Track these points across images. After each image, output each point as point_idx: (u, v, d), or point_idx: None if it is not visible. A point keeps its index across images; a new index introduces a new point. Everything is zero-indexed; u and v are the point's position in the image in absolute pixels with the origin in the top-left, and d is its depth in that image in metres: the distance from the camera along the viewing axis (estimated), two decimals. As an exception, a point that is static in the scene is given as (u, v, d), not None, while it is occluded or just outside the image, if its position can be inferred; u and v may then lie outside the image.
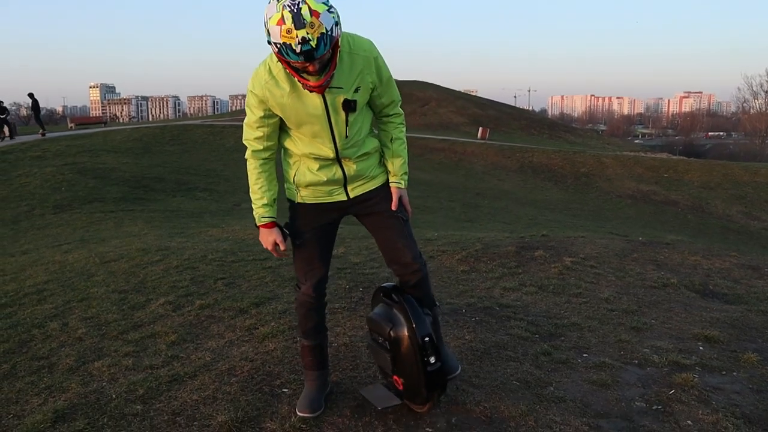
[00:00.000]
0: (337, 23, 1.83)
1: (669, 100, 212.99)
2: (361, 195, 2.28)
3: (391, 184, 2.31)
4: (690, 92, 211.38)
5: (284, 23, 1.76)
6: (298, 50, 1.79)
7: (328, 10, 1.80)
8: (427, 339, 2.19)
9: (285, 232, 2.28)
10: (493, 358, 2.85)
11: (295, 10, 1.75)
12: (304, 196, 2.27)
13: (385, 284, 2.40)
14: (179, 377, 2.70)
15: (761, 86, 65.86)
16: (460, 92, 58.84)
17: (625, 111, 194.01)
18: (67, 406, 2.49)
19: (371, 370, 2.67)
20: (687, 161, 29.23)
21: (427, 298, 2.36)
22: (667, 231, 14.21)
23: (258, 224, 2.26)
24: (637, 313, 3.57)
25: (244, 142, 2.21)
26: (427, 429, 2.24)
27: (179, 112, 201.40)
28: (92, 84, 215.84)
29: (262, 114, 2.11)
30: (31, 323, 3.64)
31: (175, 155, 19.78)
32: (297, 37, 1.77)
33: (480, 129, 35.55)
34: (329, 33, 1.80)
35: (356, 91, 2.07)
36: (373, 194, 2.29)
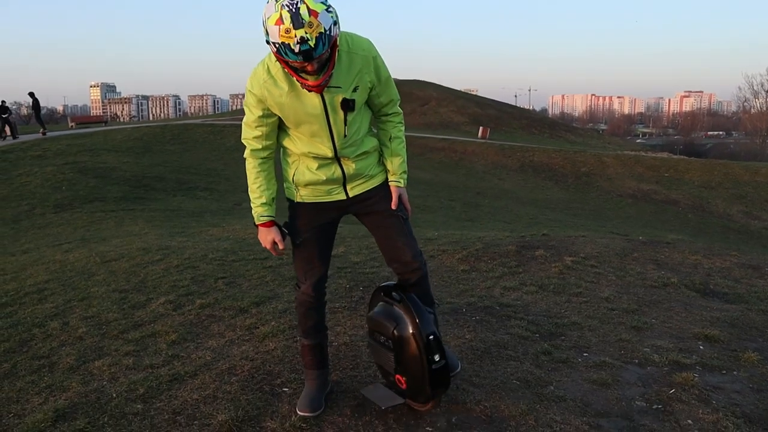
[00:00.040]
0: (335, 23, 1.83)
1: (669, 100, 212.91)
2: (360, 194, 2.28)
3: (390, 183, 2.31)
4: (690, 91, 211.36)
5: (283, 23, 1.76)
6: (296, 50, 1.79)
7: (326, 10, 1.80)
8: (431, 337, 2.19)
9: (284, 231, 2.28)
10: (493, 357, 2.85)
11: (294, 10, 1.75)
12: (303, 195, 2.27)
13: (385, 283, 2.40)
14: (180, 376, 2.71)
15: (762, 85, 65.81)
16: (460, 91, 58.85)
17: (626, 110, 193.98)
18: (67, 405, 2.49)
19: (372, 370, 2.67)
20: (687, 160, 29.22)
21: (427, 297, 2.36)
22: (667, 230, 14.20)
23: (257, 223, 2.26)
24: (638, 312, 3.57)
25: (242, 141, 2.21)
26: (428, 428, 2.24)
27: (180, 111, 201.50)
28: (93, 83, 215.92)
29: (260, 113, 2.11)
30: (31, 322, 3.64)
31: (176, 154, 19.78)
32: (295, 36, 1.77)
33: (480, 128, 35.54)
34: (328, 32, 1.80)
35: (355, 90, 2.07)
36: (373, 193, 2.29)
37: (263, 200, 2.23)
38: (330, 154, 2.15)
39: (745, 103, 71.49)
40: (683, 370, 2.70)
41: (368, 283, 4.10)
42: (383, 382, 2.45)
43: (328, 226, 2.34)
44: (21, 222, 10.02)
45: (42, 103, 26.36)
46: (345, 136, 2.13)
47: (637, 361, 2.84)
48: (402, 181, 2.32)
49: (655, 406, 2.40)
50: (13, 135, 20.72)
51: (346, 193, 2.26)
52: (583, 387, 2.56)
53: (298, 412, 2.31)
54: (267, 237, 2.25)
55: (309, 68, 1.88)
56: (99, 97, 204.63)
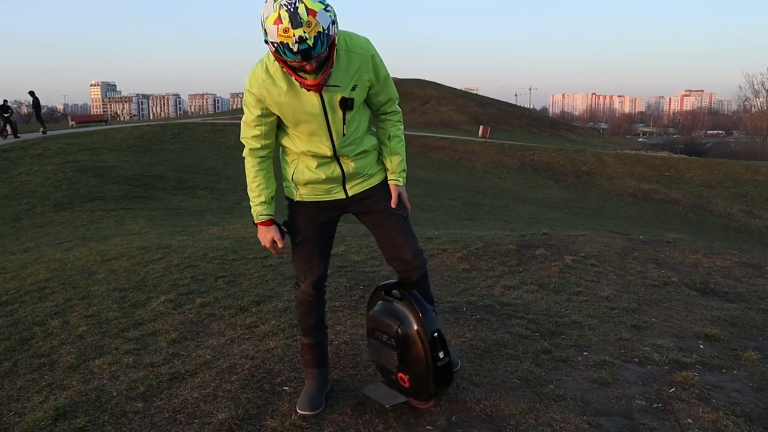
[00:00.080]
0: (333, 22, 1.83)
1: (670, 99, 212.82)
2: (359, 193, 2.28)
3: (389, 182, 2.31)
4: (691, 90, 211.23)
5: (281, 22, 1.76)
6: (295, 49, 1.79)
7: (324, 9, 1.80)
8: (436, 334, 2.19)
9: (283, 230, 2.29)
10: (493, 356, 2.85)
11: (292, 10, 1.75)
12: (302, 194, 2.27)
13: (386, 282, 2.40)
14: (180, 375, 2.71)
15: (762, 84, 65.81)
16: (460, 90, 58.84)
17: (626, 109, 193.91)
18: (67, 403, 2.49)
19: (372, 369, 2.67)
20: (688, 160, 29.20)
21: (427, 296, 2.36)
22: (668, 229, 14.20)
23: (256, 222, 2.26)
24: (638, 311, 3.57)
25: (241, 140, 2.22)
26: (428, 427, 2.24)
27: (180, 110, 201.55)
28: (93, 82, 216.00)
29: (259, 113, 2.11)
30: (32, 321, 3.64)
31: (176, 153, 19.78)
32: (294, 36, 1.77)
33: (481, 127, 35.53)
34: (326, 32, 1.80)
35: (353, 89, 2.07)
36: (372, 192, 2.29)
37: (262, 199, 2.23)
38: (329, 153, 2.15)
39: (746, 102, 71.53)
40: (683, 369, 2.70)
41: (368, 282, 4.10)
42: (383, 381, 2.45)
43: (327, 225, 2.34)
44: (21, 221, 10.02)
45: (42, 102, 26.41)
46: (344, 134, 2.13)
47: (637, 360, 2.84)
48: (401, 179, 2.32)
49: (655, 405, 2.40)
50: (14, 134, 20.79)
51: (346, 192, 2.26)
52: (583, 386, 2.56)
53: (298, 410, 2.31)
54: (266, 236, 2.25)
55: (307, 67, 1.88)
56: (99, 96, 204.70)
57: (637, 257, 4.95)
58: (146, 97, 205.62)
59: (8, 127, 20.78)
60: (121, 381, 2.68)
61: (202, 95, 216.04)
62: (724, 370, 2.73)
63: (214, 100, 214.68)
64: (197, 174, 15.69)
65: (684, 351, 2.93)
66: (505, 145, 30.21)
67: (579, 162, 27.03)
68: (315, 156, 2.17)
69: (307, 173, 2.20)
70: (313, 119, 2.08)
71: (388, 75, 2.19)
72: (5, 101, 21.40)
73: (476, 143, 30.39)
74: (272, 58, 2.00)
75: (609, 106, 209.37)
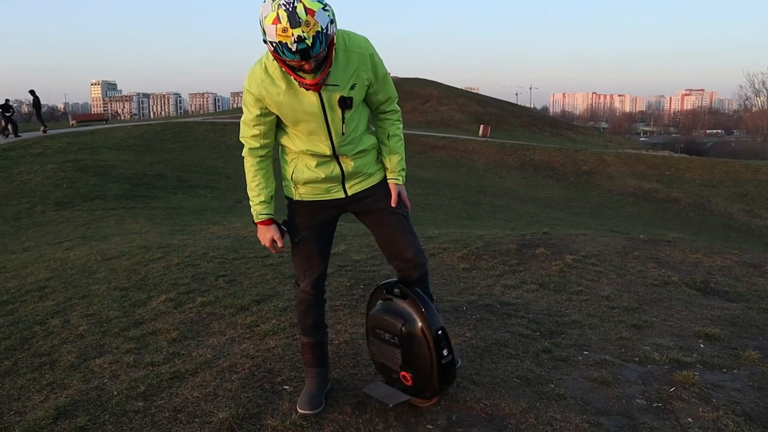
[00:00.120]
0: (332, 21, 1.83)
1: (671, 98, 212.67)
2: (359, 192, 2.28)
3: (389, 181, 2.31)
4: (692, 90, 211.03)
5: (280, 22, 1.77)
6: (294, 49, 1.79)
7: (323, 9, 1.80)
8: (440, 332, 2.19)
9: (282, 229, 2.29)
10: (493, 355, 2.85)
11: (291, 9, 1.76)
12: (302, 193, 2.27)
13: (387, 281, 2.40)
14: (180, 374, 2.71)
15: (763, 84, 65.75)
16: (461, 90, 58.84)
17: (627, 109, 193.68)
18: (68, 402, 2.49)
19: (372, 368, 2.67)
20: (688, 159, 29.18)
21: (427, 294, 2.36)
22: (668, 229, 14.20)
23: (256, 221, 2.26)
24: (638, 310, 3.57)
25: (241, 139, 2.22)
26: (428, 426, 2.24)
27: (181, 109, 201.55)
28: (94, 81, 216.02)
29: (258, 112, 2.12)
30: (32, 320, 3.64)
31: (177, 152, 19.79)
32: (293, 35, 1.77)
33: (481, 127, 35.53)
34: (325, 31, 1.80)
35: (352, 88, 2.07)
36: (371, 192, 2.29)
37: (262, 198, 2.23)
38: (328, 152, 2.15)
39: (747, 102, 71.49)
40: (683, 369, 2.70)
41: (369, 282, 4.10)
42: (383, 381, 2.45)
43: (327, 225, 2.34)
44: (22, 220, 10.03)
45: (43, 101, 26.45)
46: (343, 133, 2.13)
47: (637, 359, 2.84)
48: (401, 178, 2.32)
49: (655, 405, 2.40)
50: (15, 133, 20.82)
51: (345, 192, 2.27)
52: (584, 385, 2.56)
53: (299, 409, 2.31)
54: (266, 235, 2.26)
55: (306, 67, 1.88)
56: (100, 95, 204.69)
57: (637, 256, 4.95)
58: (147, 96, 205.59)
59: (9, 126, 20.82)
60: (122, 380, 2.69)
61: (203, 94, 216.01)
62: (725, 370, 2.73)
63: (215, 99, 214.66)
64: (198, 173, 15.70)
65: (684, 350, 2.93)
66: (506, 145, 30.20)
67: (579, 161, 27.02)
68: (314, 155, 2.17)
69: (307, 172, 2.20)
70: (312, 118, 2.08)
71: (387, 74, 2.19)
72: (7, 100, 21.47)
73: (477, 142, 30.38)
74: (271, 57, 2.00)
75: (609, 105, 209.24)
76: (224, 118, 31.57)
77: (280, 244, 2.26)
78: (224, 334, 3.23)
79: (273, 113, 2.12)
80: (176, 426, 2.28)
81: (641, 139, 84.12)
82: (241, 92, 2.19)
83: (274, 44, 1.81)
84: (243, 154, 2.24)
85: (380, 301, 2.36)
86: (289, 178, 2.26)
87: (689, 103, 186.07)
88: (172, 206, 10.96)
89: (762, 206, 21.37)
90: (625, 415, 2.32)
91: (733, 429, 2.21)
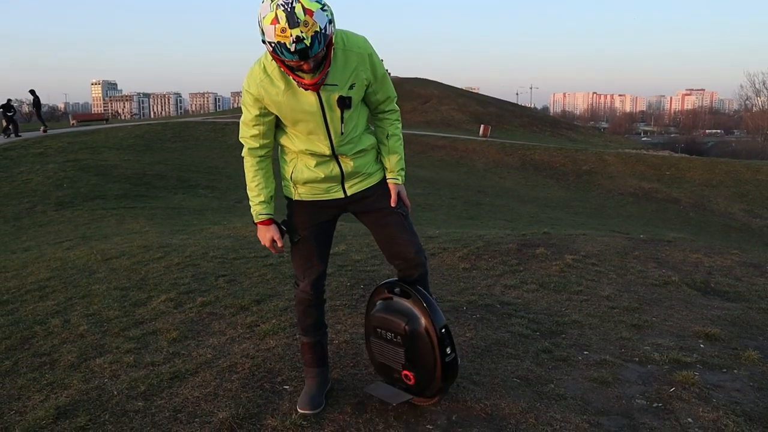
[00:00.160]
0: (330, 21, 1.83)
1: (671, 98, 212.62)
2: (358, 192, 2.28)
3: (388, 181, 2.31)
4: (692, 90, 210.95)
5: (278, 22, 1.77)
6: (292, 49, 1.79)
7: (321, 9, 1.80)
8: (444, 330, 2.20)
9: (282, 229, 2.29)
10: (493, 355, 2.85)
11: (289, 9, 1.76)
12: (301, 193, 2.27)
13: (387, 280, 2.40)
14: (180, 374, 2.71)
15: (764, 83, 65.81)
16: (461, 89, 58.82)
17: (627, 108, 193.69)
18: (68, 402, 2.49)
19: (373, 368, 2.67)
20: (689, 159, 29.17)
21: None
22: (668, 229, 14.19)
23: (256, 221, 2.27)
24: (638, 310, 3.57)
25: (240, 140, 2.22)
26: (428, 426, 2.24)
27: (181, 109, 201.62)
28: (94, 81, 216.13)
29: (257, 112, 2.12)
30: (32, 320, 3.65)
31: (177, 152, 19.80)
32: (291, 36, 1.77)
33: (481, 126, 35.51)
34: (323, 31, 1.81)
35: (351, 87, 2.07)
36: (371, 191, 2.29)
37: (262, 198, 2.23)
38: (327, 151, 2.16)
39: (747, 102, 71.54)
40: (684, 369, 2.70)
41: (369, 281, 4.10)
42: (383, 380, 2.45)
43: (326, 225, 2.34)
44: (22, 219, 10.03)
45: (43, 101, 26.49)
46: (342, 133, 2.13)
47: (637, 359, 2.84)
48: (400, 178, 2.32)
49: (655, 405, 2.40)
50: (15, 133, 20.85)
51: (344, 192, 2.27)
52: (584, 385, 2.56)
53: (299, 409, 2.31)
54: (266, 235, 2.26)
55: (305, 67, 1.88)
56: (100, 95, 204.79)
57: (637, 256, 4.95)
58: (147, 95, 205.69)
59: (10, 126, 20.86)
60: (122, 380, 2.69)
61: (203, 94, 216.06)
62: (725, 370, 2.73)
63: (215, 98, 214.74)
64: (198, 173, 15.70)
65: (684, 350, 2.93)
66: (506, 144, 30.20)
67: (580, 161, 27.01)
68: (313, 155, 2.17)
69: (306, 172, 2.21)
70: (311, 118, 2.08)
71: (386, 73, 2.20)
72: (9, 100, 21.51)
73: (477, 142, 30.37)
74: (270, 57, 2.01)
75: (610, 105, 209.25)
76: (225, 118, 31.58)
77: (279, 244, 2.27)
78: (224, 333, 3.23)
79: (272, 113, 2.13)
80: (176, 426, 2.28)
81: (643, 139, 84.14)
82: (241, 92, 2.19)
83: (273, 44, 1.81)
84: (242, 154, 2.25)
85: (382, 301, 2.35)
86: (288, 177, 2.26)
87: (690, 103, 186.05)
88: (173, 206, 10.97)
89: (762, 206, 21.36)
90: (625, 415, 2.32)
91: (733, 429, 2.21)
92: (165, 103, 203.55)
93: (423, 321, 2.19)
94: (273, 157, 2.27)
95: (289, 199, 2.32)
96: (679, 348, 2.96)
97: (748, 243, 14.29)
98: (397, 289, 2.30)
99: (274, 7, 1.77)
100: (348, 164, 2.22)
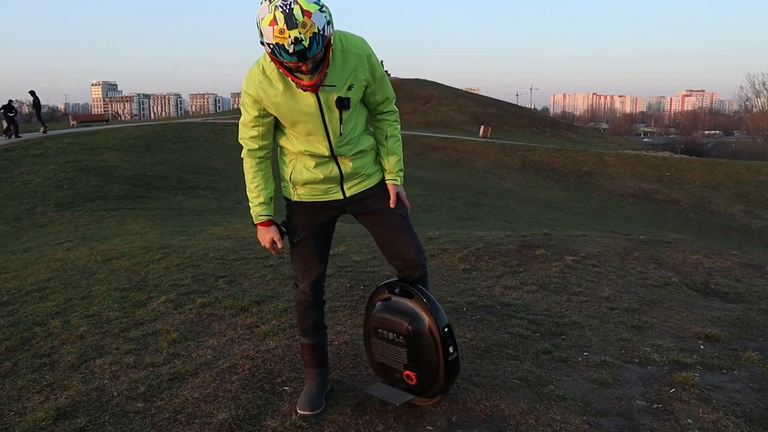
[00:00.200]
0: (329, 22, 1.84)
1: (671, 99, 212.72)
2: (357, 194, 2.28)
3: (387, 182, 2.32)
4: (692, 90, 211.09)
5: (276, 24, 1.77)
6: (291, 50, 1.80)
7: (319, 10, 1.80)
8: (446, 329, 2.20)
9: (282, 230, 2.30)
10: (493, 356, 2.85)
11: (287, 11, 1.76)
12: (300, 194, 2.27)
13: (388, 281, 2.39)
14: (180, 375, 2.71)
15: (764, 84, 65.84)
16: (461, 90, 58.81)
17: (627, 109, 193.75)
18: (68, 403, 2.49)
19: (372, 369, 2.67)
20: (689, 160, 29.18)
21: (427, 294, 2.37)
22: (668, 230, 14.20)
23: (255, 222, 2.27)
24: (638, 311, 3.57)
25: (239, 141, 2.23)
26: (428, 427, 2.24)
27: (181, 110, 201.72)
28: (94, 82, 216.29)
29: (256, 113, 2.12)
30: (32, 321, 3.65)
31: (177, 153, 19.80)
32: (289, 37, 1.77)
33: (481, 127, 35.50)
34: (321, 32, 1.81)
35: (349, 88, 2.07)
36: (370, 193, 2.29)
37: (261, 200, 2.24)
38: (326, 152, 2.16)
39: (747, 103, 71.56)
40: (683, 370, 2.70)
41: (369, 282, 4.10)
42: (383, 381, 2.45)
43: (325, 226, 2.34)
44: (22, 220, 10.03)
45: (43, 102, 26.53)
46: (340, 134, 2.13)
47: (637, 360, 2.84)
48: (399, 179, 2.33)
49: (655, 406, 2.40)
50: (16, 134, 20.87)
51: (343, 193, 2.27)
52: (584, 386, 2.56)
53: (299, 410, 2.31)
54: (266, 236, 2.26)
55: (303, 68, 1.88)
56: (100, 96, 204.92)
57: (637, 257, 4.95)
58: (147, 96, 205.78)
59: (11, 127, 20.90)
60: (122, 381, 2.69)
61: (203, 95, 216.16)
62: (725, 371, 2.73)
63: (215, 99, 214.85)
64: (198, 174, 15.70)
65: (684, 351, 2.93)
66: (506, 145, 30.20)
67: (580, 162, 27.02)
68: (313, 156, 2.18)
69: (305, 173, 2.21)
70: (309, 119, 2.08)
71: (385, 74, 2.21)
72: (10, 101, 21.55)
73: (477, 143, 30.38)
74: (268, 59, 2.01)
75: (610, 106, 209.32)
76: (225, 119, 31.59)
77: (279, 245, 2.27)
78: (224, 335, 3.23)
79: (271, 114, 2.13)
80: (176, 427, 2.28)
81: (645, 140, 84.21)
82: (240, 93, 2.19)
83: (271, 46, 1.81)
84: (242, 156, 2.25)
85: (383, 301, 2.35)
86: (287, 178, 2.26)
87: (690, 104, 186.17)
88: (173, 207, 10.97)
89: (762, 207, 21.36)
90: (625, 417, 2.32)
91: (733, 430, 2.21)
92: (165, 104, 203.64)
93: (426, 320, 2.19)
94: (272, 158, 2.27)
95: (288, 200, 2.32)
96: (679, 349, 2.96)
97: (748, 244, 14.29)
98: (397, 290, 2.30)
99: (273, 8, 1.78)
100: (347, 165, 2.22)
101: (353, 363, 2.77)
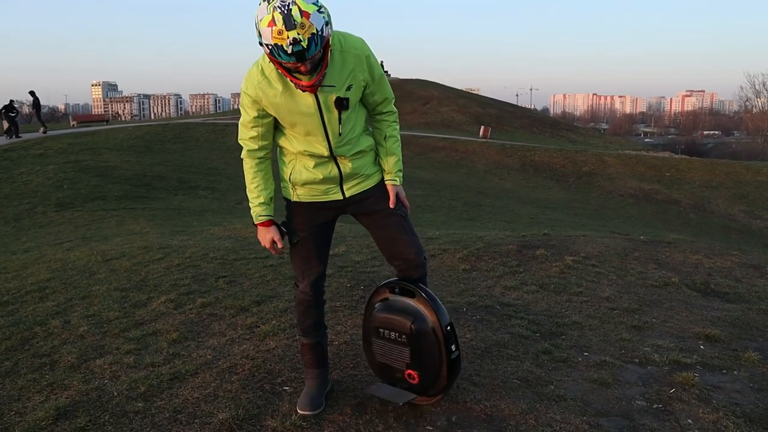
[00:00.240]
0: (327, 23, 1.84)
1: (671, 99, 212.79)
2: (356, 194, 2.29)
3: (386, 182, 2.32)
4: (692, 91, 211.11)
5: (275, 24, 1.77)
6: (289, 51, 1.80)
7: (318, 11, 1.81)
8: (449, 327, 2.20)
9: (282, 230, 2.30)
10: (493, 356, 2.85)
11: (286, 12, 1.76)
12: (300, 194, 2.28)
13: (388, 281, 2.40)
14: (180, 375, 2.71)
15: (764, 85, 65.91)
16: (461, 91, 58.80)
17: (627, 110, 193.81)
18: (68, 403, 2.49)
19: (372, 369, 2.67)
20: (689, 160, 29.18)
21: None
22: (668, 230, 14.19)
23: (255, 222, 2.27)
24: (638, 311, 3.57)
25: (239, 141, 2.23)
26: (428, 427, 2.24)
27: (181, 110, 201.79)
28: (94, 82, 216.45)
29: (255, 114, 2.13)
30: (33, 321, 3.65)
31: (177, 153, 19.81)
32: (288, 38, 1.78)
33: (482, 128, 35.49)
34: (320, 33, 1.81)
35: (348, 89, 2.08)
36: (370, 193, 2.30)
37: (261, 200, 2.24)
38: (326, 153, 2.16)
39: (747, 103, 71.57)
40: (684, 370, 2.70)
41: (369, 283, 4.10)
42: (383, 381, 2.45)
43: (325, 226, 2.35)
44: (22, 220, 10.03)
45: (43, 102, 26.56)
46: (340, 134, 2.14)
47: (637, 360, 2.84)
48: (398, 179, 2.33)
49: (655, 406, 2.40)
50: (16, 134, 20.89)
51: (343, 193, 2.27)
52: (584, 386, 2.56)
53: (299, 410, 2.31)
54: (266, 236, 2.26)
55: (302, 69, 1.89)
56: (100, 96, 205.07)
57: (637, 258, 4.95)
58: (147, 97, 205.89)
59: (12, 127, 20.91)
60: (122, 381, 2.69)
61: (203, 95, 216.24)
62: (725, 371, 2.73)
63: (215, 100, 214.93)
64: (198, 174, 15.70)
65: (684, 351, 2.93)
66: (506, 146, 30.20)
67: (580, 162, 27.02)
68: (312, 156, 2.18)
69: (305, 173, 2.21)
70: (308, 120, 2.09)
71: (384, 75, 2.21)
72: (11, 101, 21.57)
73: (477, 143, 30.38)
74: (267, 59, 2.01)
75: (610, 106, 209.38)
76: (225, 119, 31.59)
77: (280, 246, 2.27)
78: (224, 335, 3.23)
79: (270, 115, 2.13)
80: (176, 427, 2.28)
81: (646, 140, 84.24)
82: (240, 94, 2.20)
83: (270, 47, 1.82)
84: (242, 156, 2.26)
85: (383, 301, 2.35)
86: (287, 179, 2.27)
87: (690, 105, 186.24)
88: (173, 207, 10.97)
89: (762, 207, 21.36)
90: (625, 417, 2.32)
91: (733, 430, 2.21)
92: (165, 104, 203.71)
93: (429, 319, 2.20)
94: (272, 158, 2.27)
95: (288, 201, 2.33)
96: (679, 349, 2.96)
97: (748, 244, 14.28)
98: (397, 289, 2.30)
99: (271, 9, 1.78)
100: (346, 165, 2.22)
101: (353, 363, 2.77)
